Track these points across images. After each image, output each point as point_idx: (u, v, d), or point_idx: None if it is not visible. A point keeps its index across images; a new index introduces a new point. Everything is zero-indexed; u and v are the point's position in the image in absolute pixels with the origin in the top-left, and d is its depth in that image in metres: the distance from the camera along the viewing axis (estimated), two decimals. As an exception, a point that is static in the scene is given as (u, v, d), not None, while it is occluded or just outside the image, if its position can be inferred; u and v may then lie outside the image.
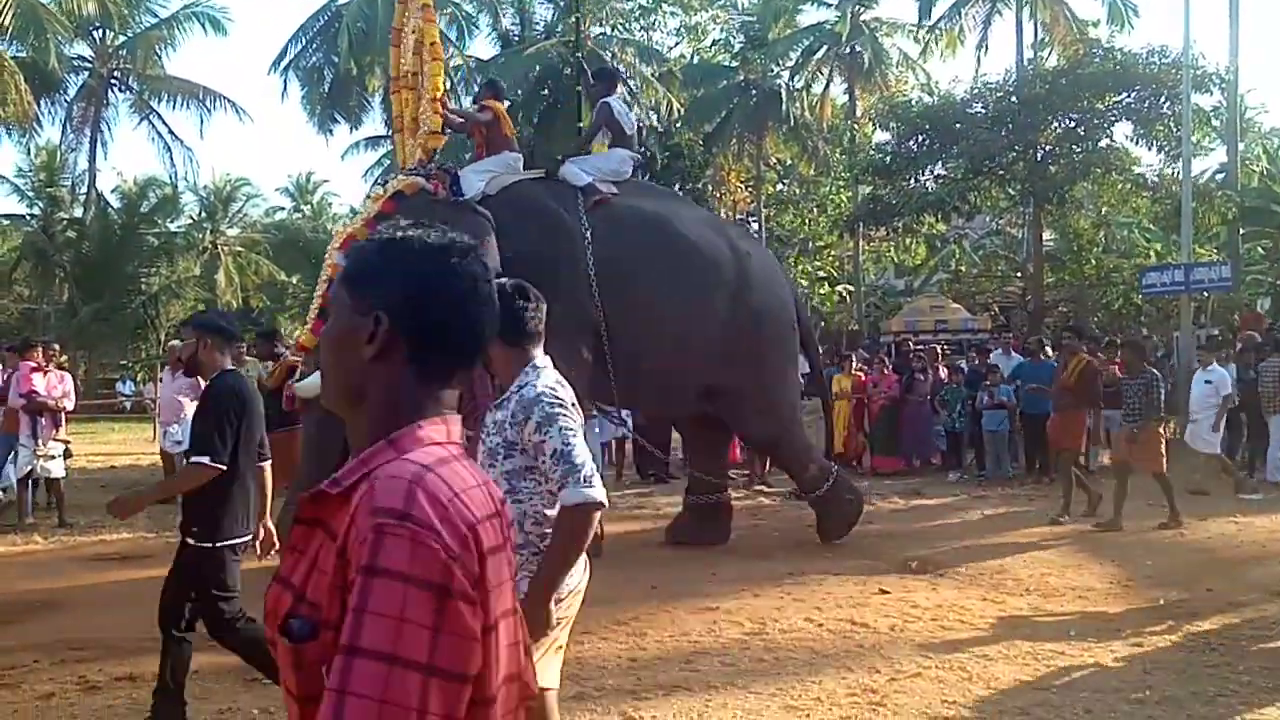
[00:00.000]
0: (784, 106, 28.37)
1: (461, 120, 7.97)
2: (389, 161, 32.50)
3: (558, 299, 7.27)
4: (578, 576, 2.73)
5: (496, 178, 7.58)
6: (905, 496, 10.27)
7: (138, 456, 14.06)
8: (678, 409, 8.38)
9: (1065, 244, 25.31)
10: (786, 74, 30.13)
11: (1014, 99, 20.51)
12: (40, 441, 8.50)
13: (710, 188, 31.66)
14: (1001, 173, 20.87)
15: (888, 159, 22.41)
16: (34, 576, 6.80)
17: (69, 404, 9.10)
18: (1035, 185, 19.97)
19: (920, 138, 21.27)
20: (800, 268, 31.41)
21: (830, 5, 29.93)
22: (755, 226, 32.97)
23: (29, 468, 8.70)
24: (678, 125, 28.84)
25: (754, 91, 29.13)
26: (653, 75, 27.47)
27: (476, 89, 28.15)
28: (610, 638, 5.20)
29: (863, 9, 29.10)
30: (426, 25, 8.04)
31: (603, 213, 7.44)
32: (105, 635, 5.34)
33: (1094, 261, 24.28)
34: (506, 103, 8.30)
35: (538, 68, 25.85)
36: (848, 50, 28.91)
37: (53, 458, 8.54)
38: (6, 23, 19.73)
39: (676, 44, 34.31)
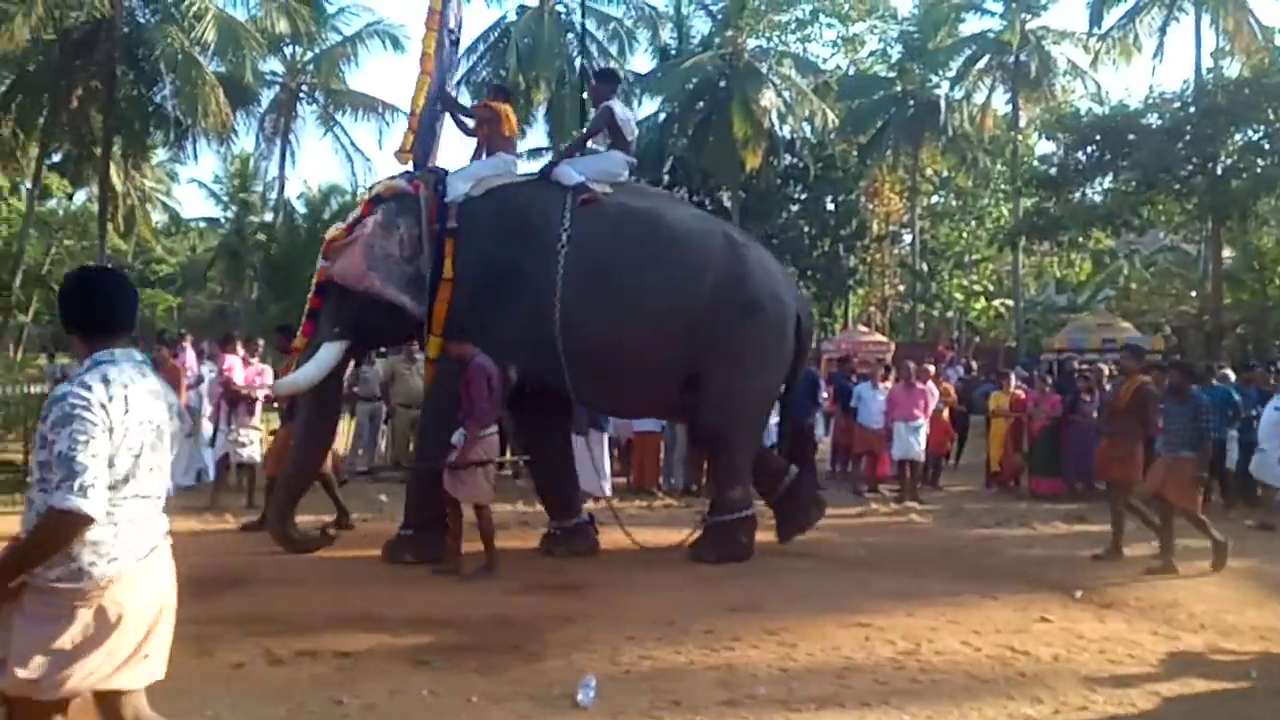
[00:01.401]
0: (943, 117, 27.71)
1: (469, 119, 8.10)
2: (546, 171, 33.49)
3: (520, 303, 7.30)
4: (141, 594, 2.64)
5: (484, 180, 7.61)
6: (1068, 521, 9.84)
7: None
8: (663, 405, 8.07)
9: (1246, 262, 23.72)
10: (946, 84, 29.42)
11: (1192, 109, 19.40)
12: (235, 428, 9.21)
13: (863, 199, 31.21)
14: (1177, 186, 19.76)
15: (1053, 170, 21.55)
16: (225, 553, 7.34)
17: (263, 394, 9.83)
18: (1215, 200, 18.83)
19: (1089, 149, 20.38)
20: (955, 281, 30.55)
21: (995, 14, 29.03)
22: (909, 238, 32.30)
23: (224, 451, 9.47)
24: (832, 136, 28.59)
25: (911, 102, 28.57)
26: (808, 86, 27.30)
27: (637, 103, 28.78)
28: (760, 646, 5.23)
29: (1030, 17, 28.08)
30: (426, 33, 8.05)
31: (589, 210, 7.40)
32: (286, 611, 5.72)
33: (1278, 282, 22.67)
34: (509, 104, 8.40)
35: (694, 81, 26.08)
36: (1012, 60, 27.95)
37: (245, 445, 9.21)
38: (209, 39, 21.40)
39: (833, 55, 34.02)
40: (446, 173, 7.74)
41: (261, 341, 10.71)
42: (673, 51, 28.56)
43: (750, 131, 24.94)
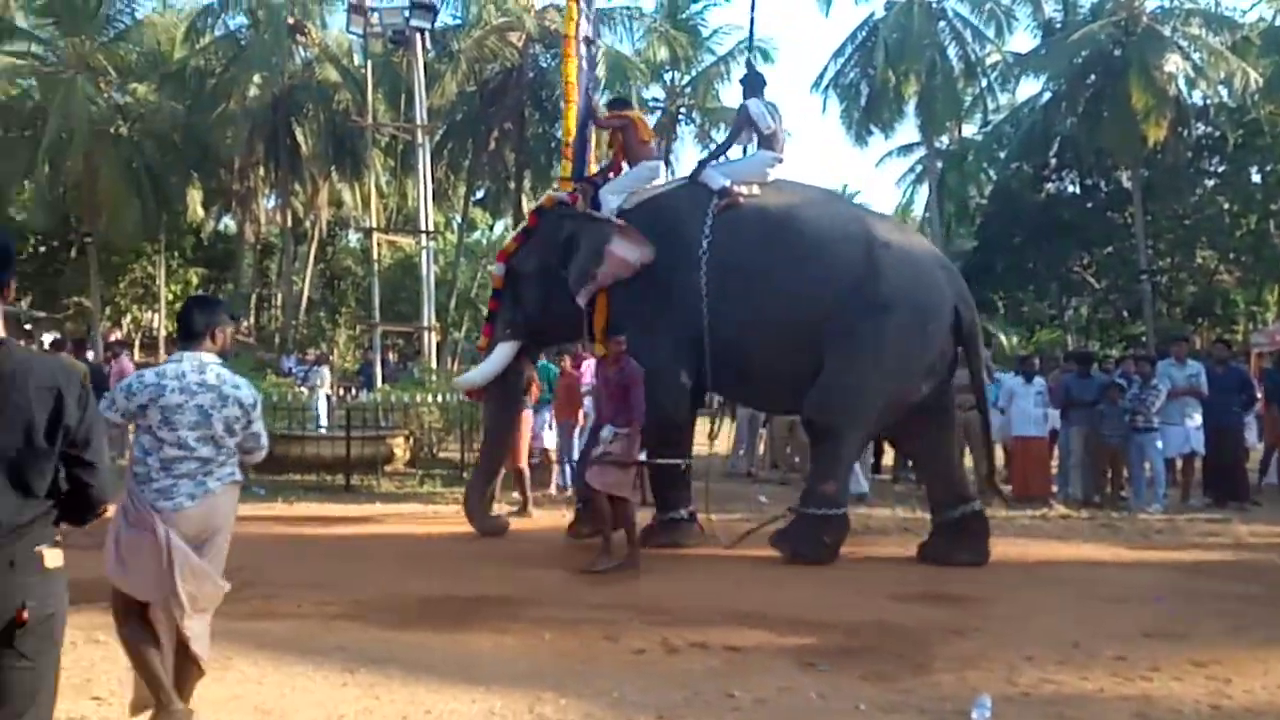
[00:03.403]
0: None
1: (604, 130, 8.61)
2: (921, 167, 32.49)
3: (670, 305, 7.41)
4: (188, 529, 3.58)
5: (634, 193, 7.98)
6: None
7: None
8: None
9: None
10: None
11: None
12: None
13: (1300, 167, 26.80)
14: None
15: None
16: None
17: None
18: None
19: None
20: None
21: None
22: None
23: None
24: (1255, 98, 24.84)
25: (1365, 47, 24.05)
26: (1223, 45, 23.98)
27: (1015, 84, 27.07)
28: (1185, 679, 4.67)
29: None
30: (564, 61, 8.40)
31: (729, 215, 7.61)
32: (680, 604, 6.03)
33: None
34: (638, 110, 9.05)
35: (1083, 54, 23.94)
36: None
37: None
38: (600, 75, 23.49)
39: (1253, 5, 29.63)
40: (599, 184, 8.20)
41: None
42: (1058, 25, 26.45)
43: (1152, 102, 22.38)
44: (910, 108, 27.34)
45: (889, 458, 12.62)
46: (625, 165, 8.33)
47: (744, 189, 7.80)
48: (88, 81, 23.37)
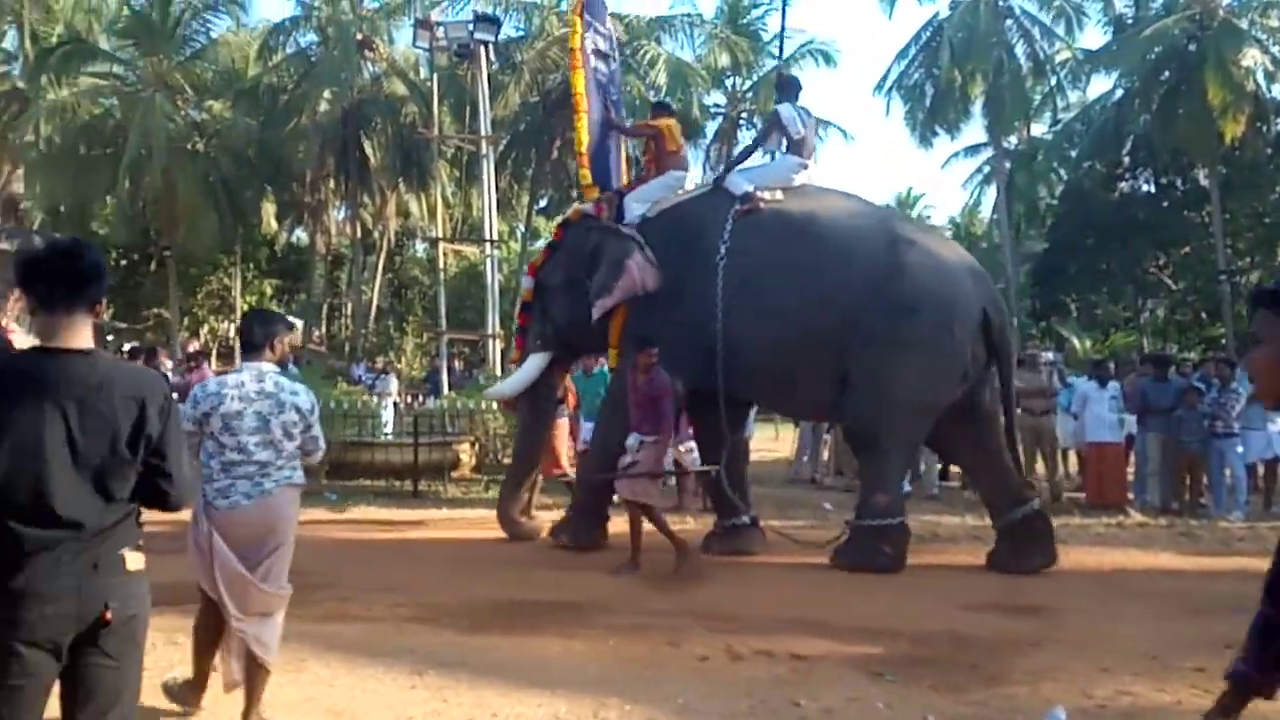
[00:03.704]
0: None
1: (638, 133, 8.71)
2: (989, 168, 31.90)
3: (681, 313, 7.41)
4: (241, 528, 3.79)
5: (657, 201, 8.02)
6: None
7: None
8: (822, 409, 8.20)
9: None
10: None
11: None
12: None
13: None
14: None
15: None
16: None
17: None
18: None
19: None
20: None
21: None
22: None
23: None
24: (1345, 93, 23.95)
25: None
26: (1306, 37, 23.17)
27: (1086, 81, 26.44)
28: (1273, 694, 4.51)
29: None
30: (572, 73, 8.50)
31: (749, 220, 7.58)
32: (744, 611, 6.02)
33: None
34: (673, 118, 8.76)
35: (1156, 49, 23.30)
36: None
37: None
38: (662, 83, 23.59)
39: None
40: (624, 194, 8.23)
41: None
42: (1129, 20, 25.80)
43: (1230, 97, 21.66)
44: (977, 108, 26.91)
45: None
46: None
47: (767, 194, 7.78)
48: (166, 100, 24.17)
